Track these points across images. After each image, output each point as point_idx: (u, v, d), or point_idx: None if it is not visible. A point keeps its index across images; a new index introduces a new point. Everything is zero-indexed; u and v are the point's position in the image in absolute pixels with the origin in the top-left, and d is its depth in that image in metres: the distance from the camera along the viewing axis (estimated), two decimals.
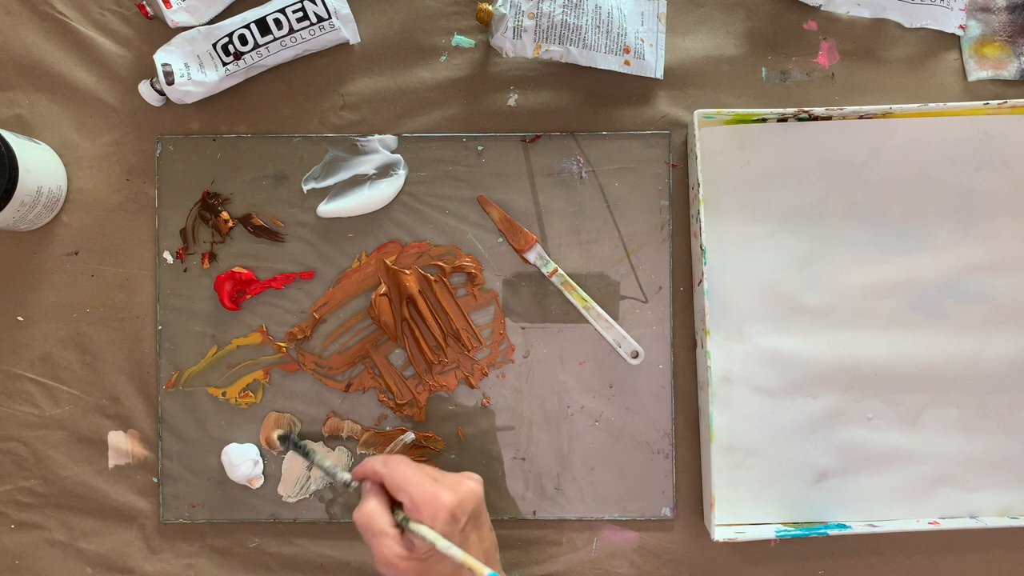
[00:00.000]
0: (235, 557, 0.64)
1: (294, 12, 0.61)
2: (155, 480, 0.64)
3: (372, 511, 0.52)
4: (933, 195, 0.65)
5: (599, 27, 0.62)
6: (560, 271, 0.64)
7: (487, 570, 0.49)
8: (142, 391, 0.64)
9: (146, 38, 0.65)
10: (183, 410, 0.64)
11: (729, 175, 0.64)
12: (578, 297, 0.64)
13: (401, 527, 0.52)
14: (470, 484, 0.53)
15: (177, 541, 0.64)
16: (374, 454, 0.64)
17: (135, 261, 0.64)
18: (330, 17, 0.62)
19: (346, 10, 0.63)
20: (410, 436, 0.63)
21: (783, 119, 0.64)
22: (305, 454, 0.61)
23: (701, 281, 0.61)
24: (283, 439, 0.62)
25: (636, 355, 0.64)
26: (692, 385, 0.64)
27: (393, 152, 0.64)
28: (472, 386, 0.64)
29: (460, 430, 0.64)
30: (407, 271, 0.64)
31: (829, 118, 0.64)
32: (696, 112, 0.61)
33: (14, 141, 0.59)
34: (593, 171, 0.64)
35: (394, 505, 0.53)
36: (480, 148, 0.65)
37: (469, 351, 0.64)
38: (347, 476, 0.57)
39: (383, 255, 0.64)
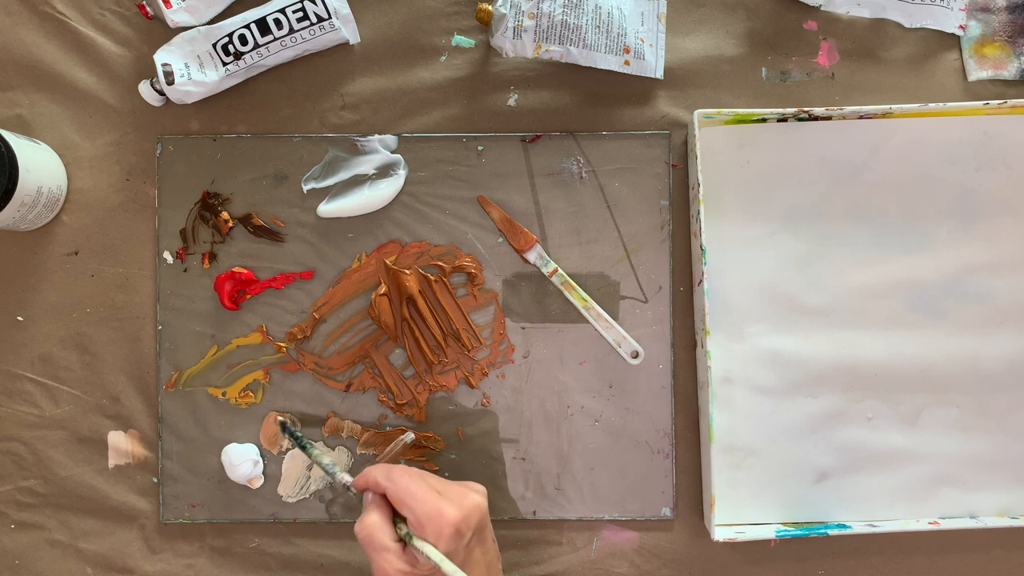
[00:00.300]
0: (235, 557, 0.64)
1: (294, 12, 0.61)
2: (155, 480, 0.64)
3: (374, 525, 0.51)
4: (933, 195, 0.65)
5: (599, 27, 0.62)
6: (560, 271, 0.64)
7: None
8: (142, 391, 0.64)
9: (146, 38, 0.65)
10: (183, 410, 0.64)
11: (729, 175, 0.64)
12: (578, 297, 0.64)
13: (404, 541, 0.51)
14: (475, 498, 0.53)
15: (177, 541, 0.64)
16: (374, 454, 0.64)
17: (135, 261, 0.64)
18: (330, 17, 0.62)
19: (346, 10, 0.63)
20: (410, 436, 0.63)
21: (783, 119, 0.64)
22: (303, 447, 0.60)
23: (701, 281, 0.61)
24: (283, 426, 0.62)
25: (636, 355, 0.64)
26: (692, 385, 0.64)
27: (393, 152, 0.64)
28: (472, 386, 0.64)
29: (460, 430, 0.64)
30: (407, 271, 0.64)
31: (829, 118, 0.64)
32: (696, 112, 0.61)
33: (14, 141, 0.59)
34: (593, 171, 0.64)
35: (396, 517, 0.53)
36: (480, 148, 0.65)
37: (469, 351, 0.64)
38: (347, 478, 0.56)
39: (383, 255, 0.64)
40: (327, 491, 0.64)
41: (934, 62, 0.66)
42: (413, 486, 0.51)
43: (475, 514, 0.52)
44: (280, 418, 0.63)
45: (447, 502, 0.51)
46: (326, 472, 0.58)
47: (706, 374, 0.60)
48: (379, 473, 0.53)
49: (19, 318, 0.64)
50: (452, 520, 0.50)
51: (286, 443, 0.63)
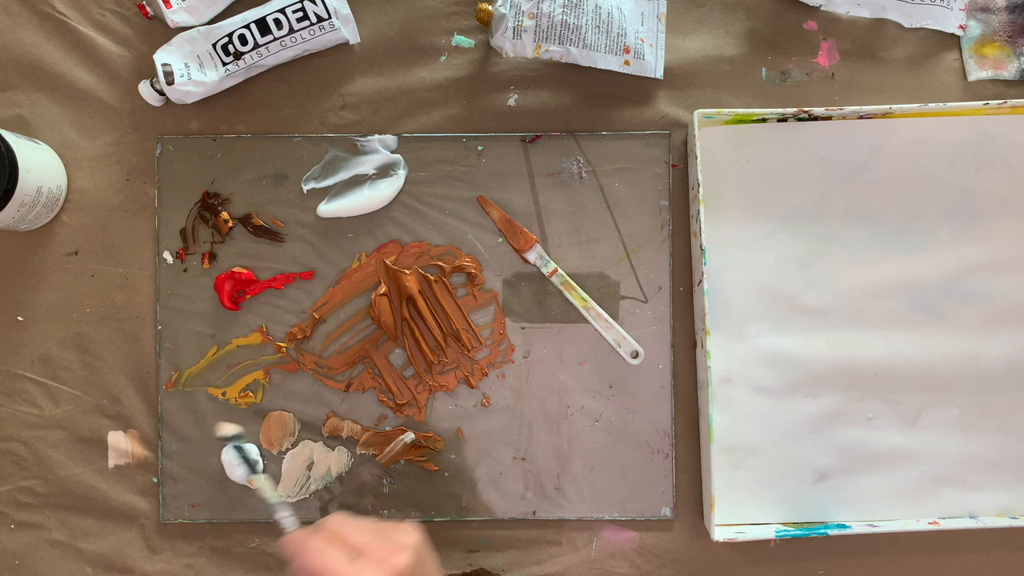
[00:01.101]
0: (235, 557, 0.64)
1: (294, 12, 0.61)
2: (155, 480, 0.64)
3: None
4: (933, 195, 0.65)
5: (599, 27, 0.62)
6: (560, 271, 0.64)
7: None
8: (142, 391, 0.64)
9: (146, 38, 0.65)
10: (183, 410, 0.64)
11: (729, 175, 0.64)
12: (578, 297, 0.64)
13: None
14: (396, 560, 0.48)
15: (177, 541, 0.64)
16: (374, 454, 0.64)
17: (135, 261, 0.64)
18: (330, 17, 0.62)
19: (346, 10, 0.63)
20: (410, 436, 0.63)
21: (783, 119, 0.64)
22: (250, 465, 0.59)
23: (701, 281, 0.61)
24: (233, 439, 0.59)
25: (636, 355, 0.64)
26: (692, 385, 0.64)
27: (393, 152, 0.64)
28: (472, 386, 0.64)
29: (460, 430, 0.64)
30: (407, 271, 0.64)
31: (829, 118, 0.64)
32: (696, 112, 0.61)
33: (14, 141, 0.59)
34: (593, 171, 0.64)
35: None
36: (480, 148, 0.65)
37: (469, 351, 0.64)
38: (287, 521, 0.54)
39: (383, 255, 0.64)
40: (326, 491, 0.64)
41: (934, 62, 0.66)
42: (321, 562, 0.48)
43: None
44: (233, 431, 0.58)
45: (361, 570, 0.48)
46: (268, 506, 0.55)
47: (706, 374, 0.60)
48: (290, 548, 0.50)
49: (19, 318, 0.64)
50: None
51: (287, 444, 0.63)
